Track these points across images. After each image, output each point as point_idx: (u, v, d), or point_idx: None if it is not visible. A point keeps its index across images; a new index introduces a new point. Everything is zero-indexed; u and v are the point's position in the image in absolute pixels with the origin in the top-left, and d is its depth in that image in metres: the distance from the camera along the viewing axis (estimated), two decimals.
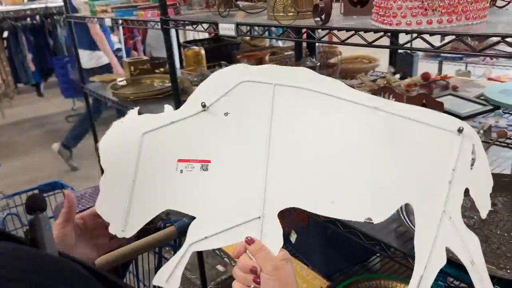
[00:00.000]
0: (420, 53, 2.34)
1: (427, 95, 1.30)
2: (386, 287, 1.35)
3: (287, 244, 1.69)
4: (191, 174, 0.77)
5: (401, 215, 1.00)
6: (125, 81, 2.49)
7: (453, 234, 0.63)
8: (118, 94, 2.30)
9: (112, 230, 0.76)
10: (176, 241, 1.56)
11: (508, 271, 0.86)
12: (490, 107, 1.60)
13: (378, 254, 1.67)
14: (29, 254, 0.42)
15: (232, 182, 0.75)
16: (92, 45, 3.55)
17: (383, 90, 1.38)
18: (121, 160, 0.78)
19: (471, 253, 0.62)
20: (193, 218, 0.93)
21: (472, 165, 0.64)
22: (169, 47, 1.62)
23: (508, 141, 1.37)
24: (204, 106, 0.77)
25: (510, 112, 1.60)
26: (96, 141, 2.91)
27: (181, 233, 1.07)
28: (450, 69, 3.73)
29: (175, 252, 1.64)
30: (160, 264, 1.46)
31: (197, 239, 0.74)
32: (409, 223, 0.99)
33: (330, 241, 1.55)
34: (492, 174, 0.64)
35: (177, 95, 1.69)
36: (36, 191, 2.25)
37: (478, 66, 3.79)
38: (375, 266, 1.65)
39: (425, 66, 2.86)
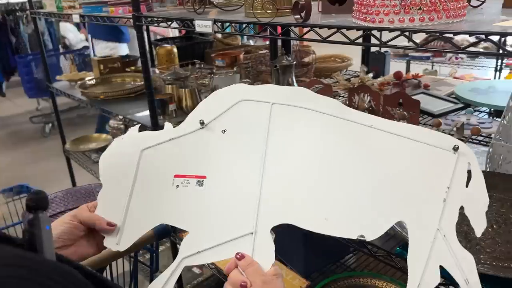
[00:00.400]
0: (390, 51, 2.37)
1: (404, 94, 1.31)
2: (365, 285, 1.36)
3: None
4: (186, 190, 0.76)
5: None
6: (94, 80, 2.42)
7: (447, 253, 0.62)
8: (88, 93, 2.22)
9: (106, 243, 0.76)
10: (153, 244, 1.52)
11: (488, 266, 0.88)
12: (461, 105, 1.64)
13: (355, 252, 1.68)
14: (29, 261, 0.42)
15: (226, 198, 0.75)
16: (107, 36, 3.70)
17: (360, 89, 1.39)
18: (120, 176, 0.79)
19: (466, 272, 0.61)
20: None
21: (467, 182, 0.64)
22: (142, 44, 1.57)
23: (480, 137, 1.40)
24: (202, 123, 0.78)
25: (480, 110, 1.64)
26: (64, 142, 2.81)
27: (159, 237, 1.05)
28: (417, 68, 3.81)
29: (151, 255, 1.60)
30: (136, 268, 1.42)
31: (189, 254, 0.72)
32: None
33: (308, 240, 1.54)
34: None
35: (151, 94, 1.64)
36: (4, 194, 2.15)
37: (444, 65, 3.90)
38: (352, 264, 1.66)
39: (393, 65, 2.90)
